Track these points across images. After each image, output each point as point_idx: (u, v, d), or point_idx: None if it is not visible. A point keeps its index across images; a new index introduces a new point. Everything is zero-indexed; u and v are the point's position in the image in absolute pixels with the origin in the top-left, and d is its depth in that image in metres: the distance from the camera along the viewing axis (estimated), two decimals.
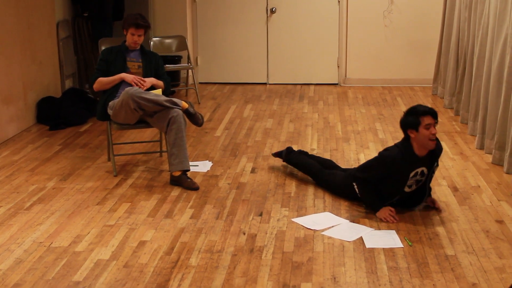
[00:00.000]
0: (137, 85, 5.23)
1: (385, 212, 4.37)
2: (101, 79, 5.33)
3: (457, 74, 7.29)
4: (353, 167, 5.16)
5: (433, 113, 4.36)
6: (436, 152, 4.44)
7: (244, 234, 4.18)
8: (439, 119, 6.96)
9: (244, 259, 3.83)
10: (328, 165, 5.14)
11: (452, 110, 7.37)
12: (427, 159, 4.40)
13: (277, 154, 5.50)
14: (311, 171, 5.12)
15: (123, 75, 5.31)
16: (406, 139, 4.40)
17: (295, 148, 6.03)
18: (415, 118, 4.32)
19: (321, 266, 3.74)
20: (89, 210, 4.62)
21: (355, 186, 4.55)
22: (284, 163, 5.47)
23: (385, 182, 4.41)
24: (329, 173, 4.96)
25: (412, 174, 4.36)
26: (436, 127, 4.37)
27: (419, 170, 4.38)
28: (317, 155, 5.83)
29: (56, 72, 7.59)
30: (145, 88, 5.26)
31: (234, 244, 4.03)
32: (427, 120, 4.31)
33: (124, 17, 5.52)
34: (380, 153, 4.49)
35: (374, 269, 3.69)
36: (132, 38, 5.34)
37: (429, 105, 7.62)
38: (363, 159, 5.66)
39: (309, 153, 5.46)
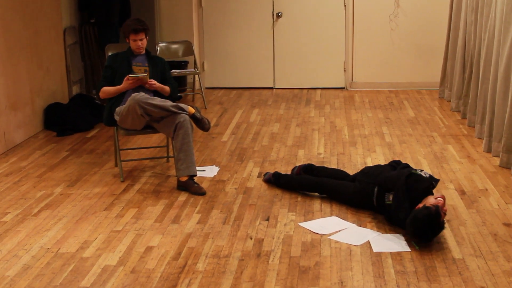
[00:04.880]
0: (146, 84, 5.24)
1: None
2: (105, 88, 5.33)
3: (464, 77, 7.27)
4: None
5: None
6: None
7: (251, 238, 4.18)
8: (446, 122, 7.01)
9: (251, 264, 3.83)
10: (339, 176, 4.97)
11: (459, 113, 7.35)
12: None
13: (267, 181, 5.22)
14: (308, 186, 4.93)
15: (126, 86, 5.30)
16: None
17: (302, 153, 6.04)
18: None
19: (328, 271, 3.73)
20: (96, 215, 4.63)
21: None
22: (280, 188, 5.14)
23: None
24: (338, 183, 4.80)
25: None
26: None
27: None
28: (324, 159, 5.83)
29: (63, 78, 7.62)
30: (154, 86, 5.27)
31: (241, 249, 4.02)
32: None
33: (122, 26, 5.50)
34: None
35: (381, 273, 3.68)
36: (135, 44, 5.35)
37: (436, 109, 7.68)
38: (370, 163, 5.65)
39: (314, 166, 5.19)
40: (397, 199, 4.24)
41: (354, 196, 4.62)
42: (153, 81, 5.29)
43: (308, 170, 5.16)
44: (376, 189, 4.45)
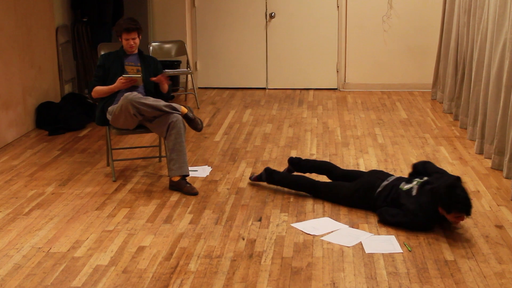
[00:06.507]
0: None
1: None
2: (98, 88, 5.32)
3: (456, 79, 7.29)
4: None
5: (468, 213, 4.17)
6: None
7: (243, 239, 4.17)
8: (439, 124, 7.02)
9: (243, 264, 3.82)
10: (327, 170, 5.05)
11: (451, 115, 7.37)
12: None
13: (256, 179, 5.15)
14: (304, 186, 4.91)
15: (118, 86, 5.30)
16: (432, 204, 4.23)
17: (294, 154, 6.04)
18: (451, 207, 4.13)
19: (321, 272, 3.73)
20: (88, 215, 4.61)
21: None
22: (271, 185, 5.10)
23: None
24: (335, 183, 4.83)
25: None
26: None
27: None
28: (316, 159, 5.82)
29: (55, 77, 7.59)
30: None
31: (233, 250, 4.02)
32: (460, 214, 4.16)
33: (115, 25, 5.48)
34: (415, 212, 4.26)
35: (373, 275, 3.68)
36: (127, 43, 5.33)
37: (429, 110, 7.69)
38: (362, 164, 5.66)
39: (303, 159, 5.20)
40: (422, 202, 4.26)
41: (357, 190, 4.60)
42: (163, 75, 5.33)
43: (294, 162, 5.16)
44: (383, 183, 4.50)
